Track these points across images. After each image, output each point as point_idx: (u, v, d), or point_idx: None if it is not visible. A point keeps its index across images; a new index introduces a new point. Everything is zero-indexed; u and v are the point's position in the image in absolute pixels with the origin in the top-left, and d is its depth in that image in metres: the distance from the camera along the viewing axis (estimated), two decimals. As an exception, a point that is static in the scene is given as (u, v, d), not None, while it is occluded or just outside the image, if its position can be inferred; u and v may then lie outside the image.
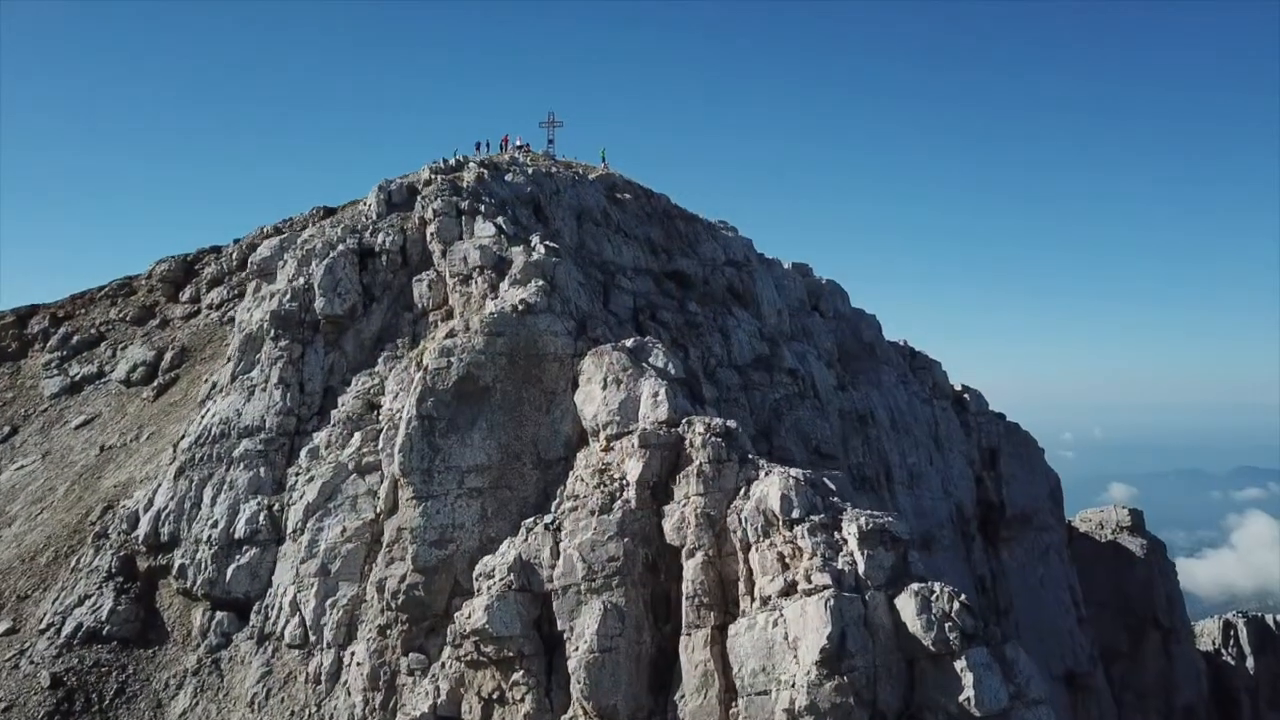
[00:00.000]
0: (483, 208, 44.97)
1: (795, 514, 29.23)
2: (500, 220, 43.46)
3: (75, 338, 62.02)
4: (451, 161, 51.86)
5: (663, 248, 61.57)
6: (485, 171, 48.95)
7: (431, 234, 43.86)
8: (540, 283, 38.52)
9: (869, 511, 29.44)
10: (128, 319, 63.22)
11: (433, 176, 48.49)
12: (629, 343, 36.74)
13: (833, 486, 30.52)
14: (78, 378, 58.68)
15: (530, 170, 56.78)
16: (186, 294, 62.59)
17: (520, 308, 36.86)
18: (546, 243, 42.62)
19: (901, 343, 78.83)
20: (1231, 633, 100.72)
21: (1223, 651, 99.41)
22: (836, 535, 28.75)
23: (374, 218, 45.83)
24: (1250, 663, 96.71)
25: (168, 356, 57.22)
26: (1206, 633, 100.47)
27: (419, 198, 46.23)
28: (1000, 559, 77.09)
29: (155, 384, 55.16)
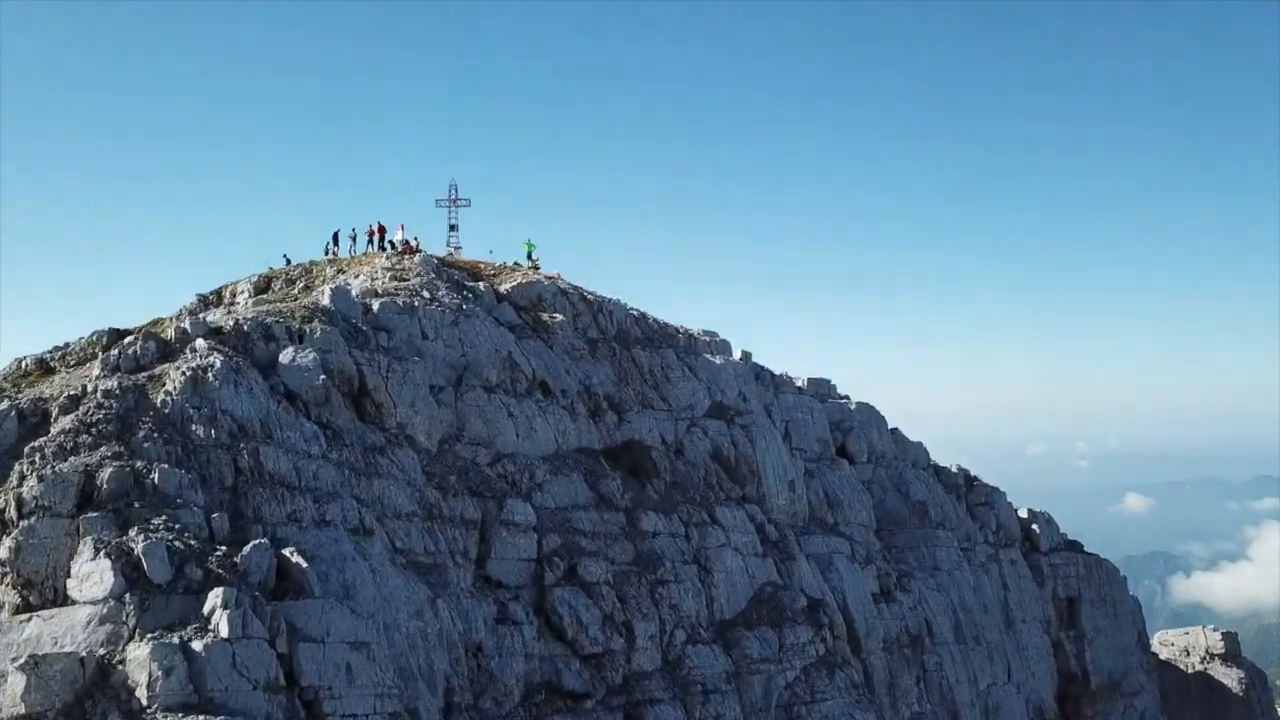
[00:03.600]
0: (158, 476, 17.72)
1: None
2: (129, 552, 15.74)
3: None
4: (178, 318, 24.23)
5: (610, 401, 34.15)
6: (217, 358, 21.49)
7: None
8: None
9: None
10: None
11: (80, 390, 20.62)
12: None
13: None
14: None
15: (375, 305, 29.46)
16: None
17: None
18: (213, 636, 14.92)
19: (954, 469, 51.32)
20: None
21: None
22: None
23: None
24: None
25: None
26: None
27: (26, 455, 18.81)
28: (1086, 748, 51.16)
29: None
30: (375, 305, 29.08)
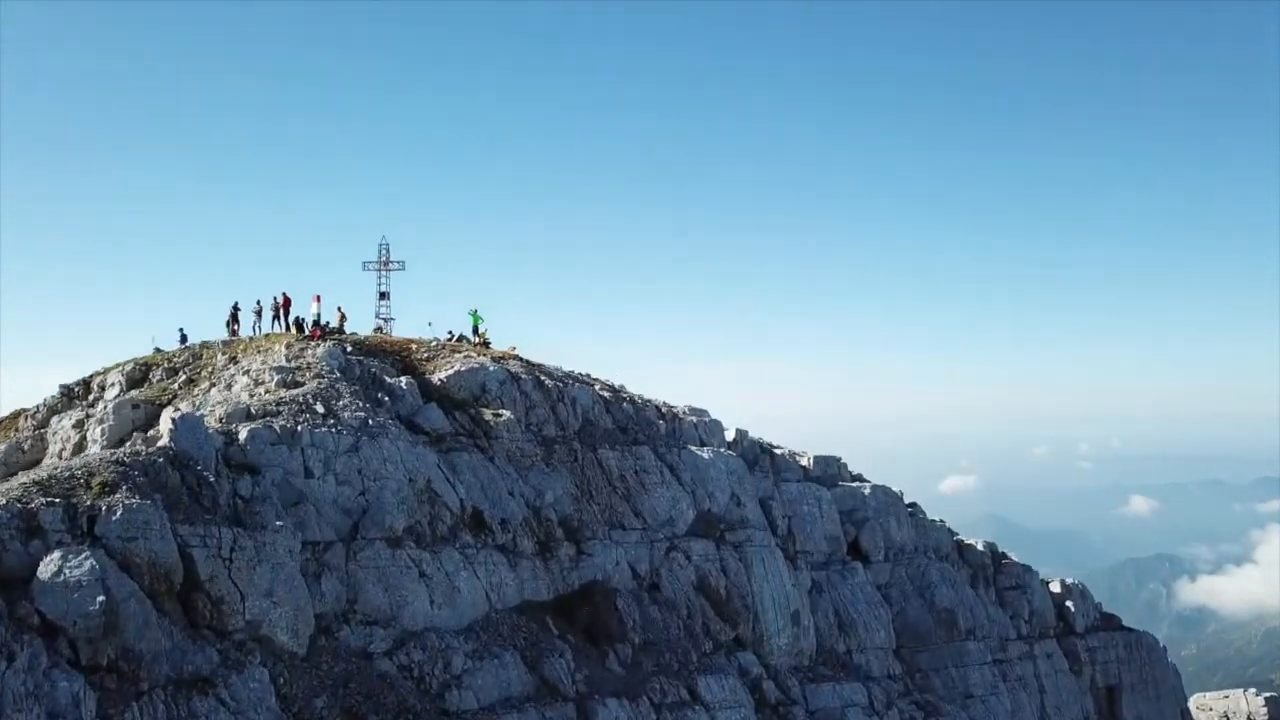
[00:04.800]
0: None
1: None
2: None
3: None
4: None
5: (567, 527, 25.96)
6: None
7: None
8: None
9: None
10: None
11: None
12: None
13: None
14: None
15: (242, 433, 21.28)
16: None
17: None
18: None
19: (979, 546, 42.97)
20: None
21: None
22: None
23: None
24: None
25: None
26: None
27: None
28: None
29: None
30: (243, 434, 20.85)
